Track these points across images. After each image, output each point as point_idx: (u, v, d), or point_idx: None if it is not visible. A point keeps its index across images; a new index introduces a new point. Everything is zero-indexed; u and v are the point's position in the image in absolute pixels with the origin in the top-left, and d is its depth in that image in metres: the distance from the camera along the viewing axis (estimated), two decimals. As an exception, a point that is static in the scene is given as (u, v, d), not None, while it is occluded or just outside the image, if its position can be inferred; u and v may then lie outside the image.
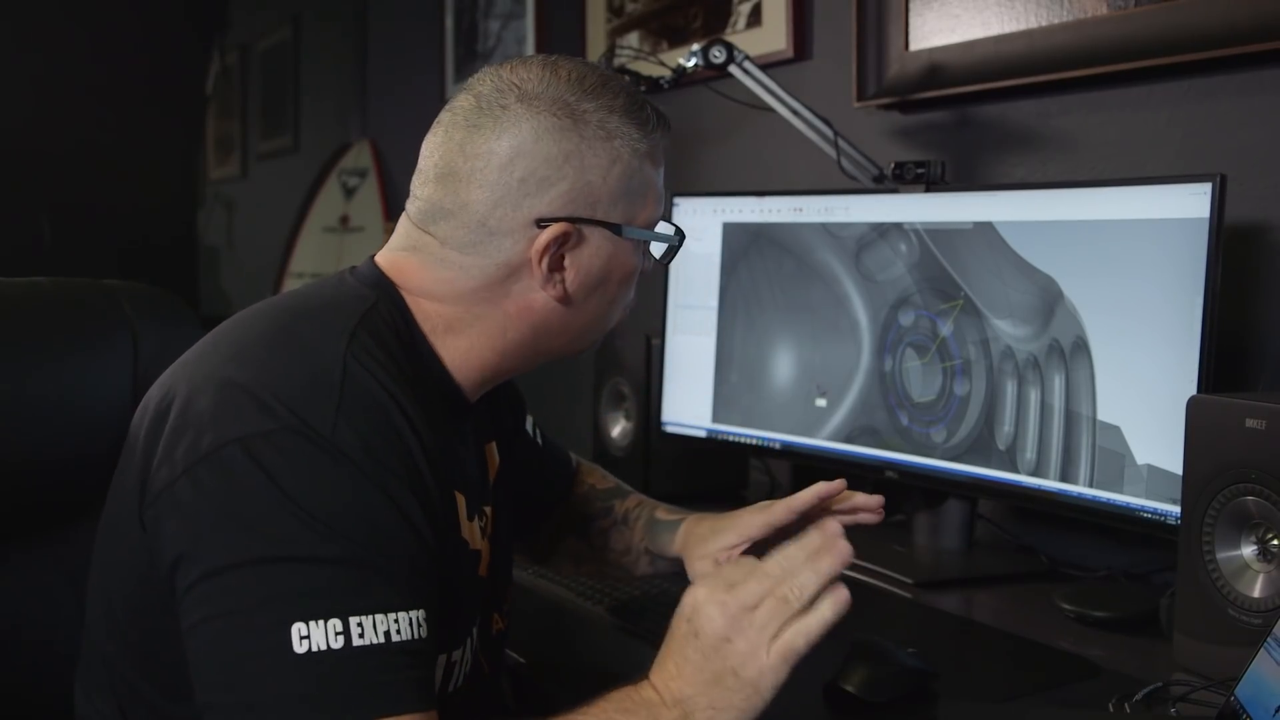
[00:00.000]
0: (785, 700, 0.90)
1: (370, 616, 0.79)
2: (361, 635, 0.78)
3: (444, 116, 0.96)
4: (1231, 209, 1.27)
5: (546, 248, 0.92)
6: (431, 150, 0.95)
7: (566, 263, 0.94)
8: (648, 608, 1.28)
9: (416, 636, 0.81)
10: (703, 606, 0.84)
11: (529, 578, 1.41)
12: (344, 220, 3.60)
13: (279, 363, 0.86)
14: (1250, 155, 1.38)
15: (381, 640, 0.79)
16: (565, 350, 1.01)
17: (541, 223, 0.92)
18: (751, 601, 0.83)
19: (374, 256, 0.99)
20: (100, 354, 1.13)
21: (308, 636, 0.77)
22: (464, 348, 0.96)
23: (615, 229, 0.94)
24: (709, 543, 1.14)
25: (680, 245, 1.02)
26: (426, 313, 0.95)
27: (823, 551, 0.85)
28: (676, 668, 0.84)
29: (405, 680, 0.79)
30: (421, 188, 0.95)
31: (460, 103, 0.94)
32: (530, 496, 1.22)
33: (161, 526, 0.83)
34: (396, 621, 0.80)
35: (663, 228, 1.00)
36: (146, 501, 0.85)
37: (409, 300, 0.95)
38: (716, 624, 0.83)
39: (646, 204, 0.97)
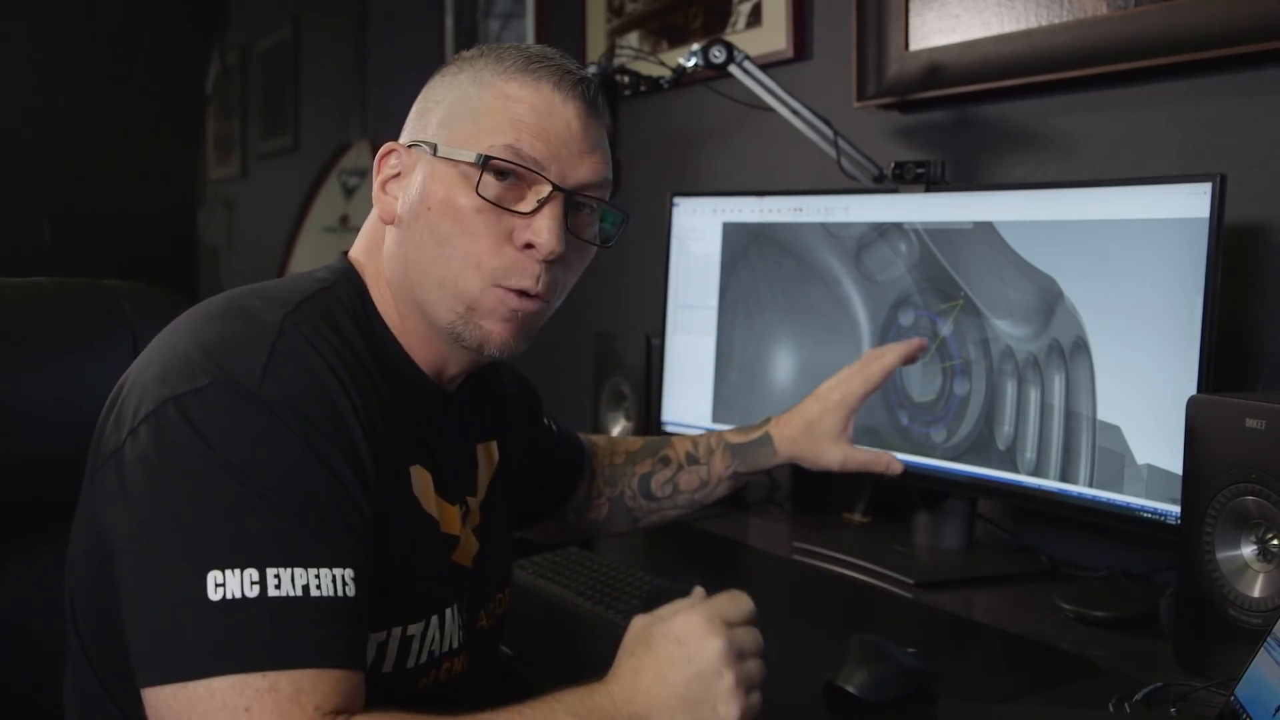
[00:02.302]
0: (785, 700, 0.90)
1: (289, 569, 0.78)
2: (278, 586, 0.78)
3: None
4: (1231, 209, 1.27)
5: (379, 169, 0.97)
6: None
7: (398, 186, 0.97)
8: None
9: (340, 594, 0.80)
10: (704, 637, 0.85)
11: (529, 578, 1.41)
12: (344, 220, 3.60)
13: (219, 329, 0.88)
14: (1250, 155, 1.38)
15: (299, 594, 0.78)
16: (431, 301, 0.94)
17: None
18: (749, 649, 0.87)
19: (346, 251, 1.02)
20: (100, 354, 1.13)
21: (223, 584, 0.77)
22: (407, 329, 0.97)
23: (432, 148, 0.95)
24: (819, 436, 1.29)
25: (484, 174, 0.91)
26: (384, 297, 0.98)
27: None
28: (649, 684, 0.84)
29: (322, 636, 0.78)
30: None
31: None
32: (553, 482, 1.29)
33: (104, 489, 0.84)
34: (318, 576, 0.79)
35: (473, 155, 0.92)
36: (95, 465, 0.87)
37: (371, 289, 0.98)
38: (715, 656, 0.84)
39: (480, 130, 0.93)
